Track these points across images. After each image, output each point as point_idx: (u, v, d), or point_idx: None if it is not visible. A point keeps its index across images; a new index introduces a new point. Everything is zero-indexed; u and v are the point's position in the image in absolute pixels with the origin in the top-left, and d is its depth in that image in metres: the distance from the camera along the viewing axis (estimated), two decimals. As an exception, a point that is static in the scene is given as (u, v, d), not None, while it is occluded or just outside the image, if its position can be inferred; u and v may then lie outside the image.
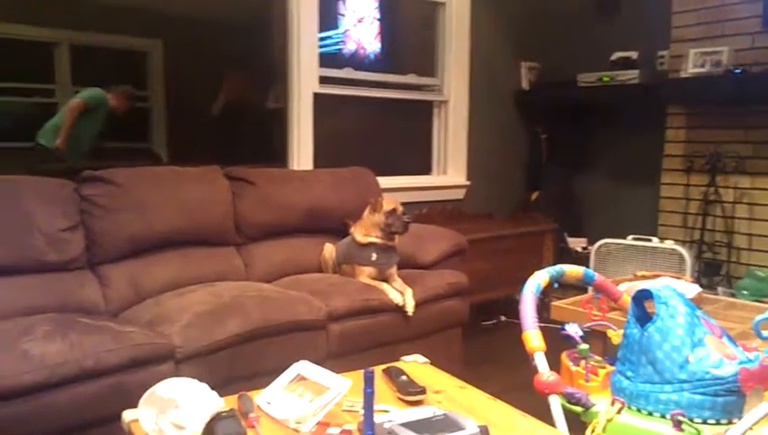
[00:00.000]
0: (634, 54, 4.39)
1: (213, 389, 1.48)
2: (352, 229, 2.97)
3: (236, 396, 1.58)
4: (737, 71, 3.71)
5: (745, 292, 3.58)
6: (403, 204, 2.97)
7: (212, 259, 2.84)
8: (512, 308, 2.58)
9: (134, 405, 1.45)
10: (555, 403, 1.73)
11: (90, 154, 3.98)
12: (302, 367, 1.65)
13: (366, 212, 2.93)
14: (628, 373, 1.77)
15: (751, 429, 1.45)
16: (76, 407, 1.89)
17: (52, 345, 1.90)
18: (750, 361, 1.66)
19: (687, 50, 3.95)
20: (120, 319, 2.37)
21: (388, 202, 2.90)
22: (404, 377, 1.71)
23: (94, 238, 2.56)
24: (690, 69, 3.89)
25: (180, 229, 2.75)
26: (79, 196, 2.58)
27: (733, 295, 3.54)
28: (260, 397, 1.59)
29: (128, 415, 1.49)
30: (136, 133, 4.63)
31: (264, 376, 1.73)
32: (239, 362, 2.26)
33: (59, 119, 3.81)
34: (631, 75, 4.27)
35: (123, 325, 2.15)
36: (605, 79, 4.38)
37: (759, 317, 1.69)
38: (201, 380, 1.50)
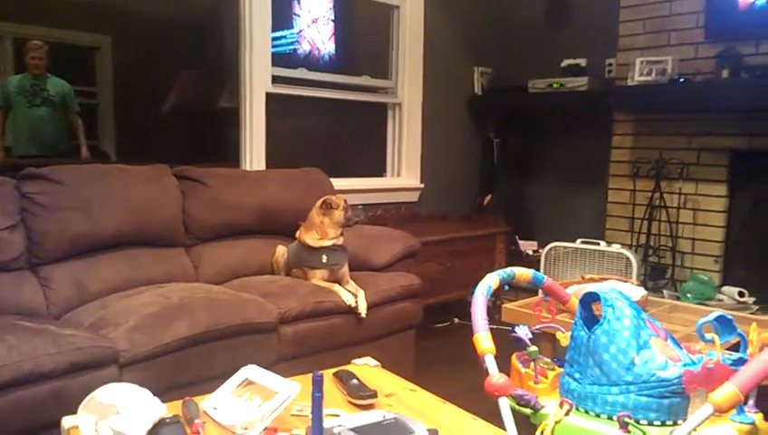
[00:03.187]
0: (583, 62, 4.47)
1: (159, 394, 1.44)
2: (299, 233, 2.93)
3: (181, 402, 1.54)
4: (681, 80, 3.82)
5: (689, 295, 3.67)
6: (357, 206, 3.03)
7: (160, 260, 2.78)
8: (464, 310, 2.58)
9: (75, 411, 1.40)
10: (505, 405, 1.73)
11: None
12: (250, 371, 1.62)
13: (315, 214, 2.87)
14: (576, 375, 1.79)
15: (695, 430, 1.48)
16: (14, 413, 1.82)
17: (-12, 349, 1.82)
18: (693, 363, 1.70)
19: (634, 58, 4.03)
20: (61, 322, 2.29)
21: (338, 197, 2.90)
22: (354, 381, 1.70)
23: (35, 238, 2.47)
24: (636, 77, 3.97)
25: (126, 229, 2.67)
26: (19, 194, 2.49)
27: (677, 298, 3.62)
28: (206, 402, 1.55)
29: (67, 422, 1.44)
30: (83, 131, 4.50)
31: (213, 380, 1.69)
32: (188, 367, 2.21)
33: None
34: (580, 82, 4.34)
35: (65, 328, 2.08)
36: (555, 85, 4.45)
37: (702, 320, 1.73)
38: (146, 385, 1.46)
